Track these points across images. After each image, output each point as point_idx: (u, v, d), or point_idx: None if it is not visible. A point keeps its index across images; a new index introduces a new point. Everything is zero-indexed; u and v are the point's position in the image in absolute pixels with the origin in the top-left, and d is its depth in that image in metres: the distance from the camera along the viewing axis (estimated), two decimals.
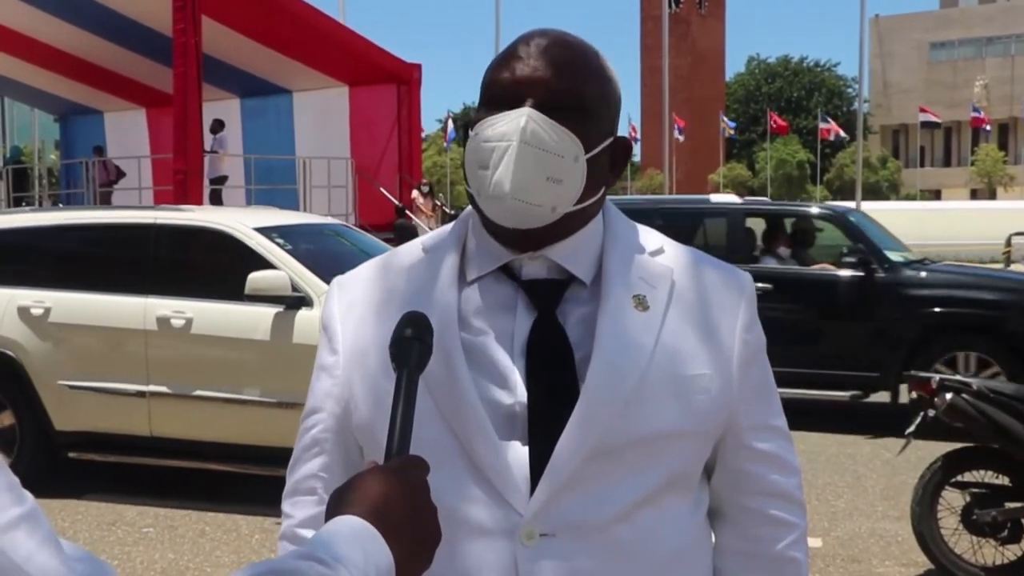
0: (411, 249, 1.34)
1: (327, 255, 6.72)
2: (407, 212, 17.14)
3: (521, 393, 1.21)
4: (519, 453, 1.20)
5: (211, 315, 6.22)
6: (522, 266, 1.27)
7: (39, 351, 6.49)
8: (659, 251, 1.30)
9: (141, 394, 6.31)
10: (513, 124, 1.18)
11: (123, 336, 6.38)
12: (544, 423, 1.20)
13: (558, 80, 1.21)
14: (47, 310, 6.50)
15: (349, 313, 1.32)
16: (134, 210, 7.48)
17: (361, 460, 1.29)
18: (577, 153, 1.20)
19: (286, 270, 6.06)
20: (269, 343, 6.00)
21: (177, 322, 6.26)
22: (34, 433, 6.53)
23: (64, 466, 6.65)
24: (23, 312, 6.53)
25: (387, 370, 1.20)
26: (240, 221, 6.57)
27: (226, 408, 6.15)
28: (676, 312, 1.25)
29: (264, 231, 6.45)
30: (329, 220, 8.88)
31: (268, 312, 6.02)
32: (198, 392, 6.19)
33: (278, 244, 6.35)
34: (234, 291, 6.10)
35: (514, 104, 1.20)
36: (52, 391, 6.46)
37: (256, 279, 5.96)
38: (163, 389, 6.28)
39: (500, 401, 1.21)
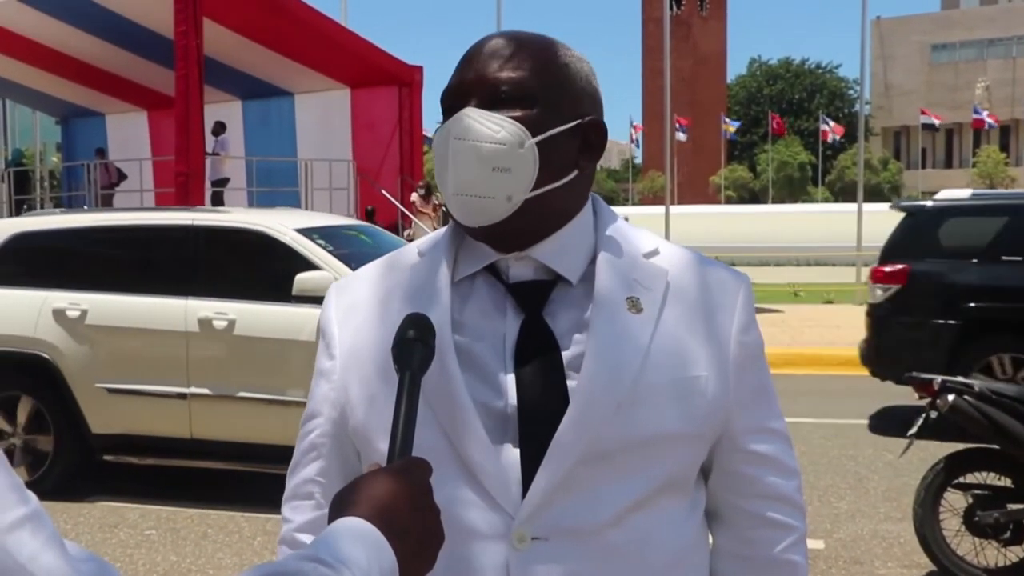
0: (407, 253, 1.35)
1: (362, 256, 6.73)
2: (375, 215, 17.11)
3: (512, 396, 1.21)
4: (511, 456, 1.19)
5: (255, 316, 6.21)
6: (509, 267, 1.27)
7: (75, 354, 6.47)
8: (654, 252, 1.29)
9: (182, 396, 6.30)
10: (447, 125, 1.21)
11: (163, 338, 6.36)
12: (535, 426, 1.19)
13: (496, 74, 1.22)
14: (83, 312, 6.48)
15: (346, 318, 1.33)
16: (171, 211, 7.43)
17: (359, 464, 1.29)
18: (523, 139, 1.20)
19: (330, 271, 6.07)
20: (316, 343, 5.97)
21: (219, 323, 6.25)
22: (69, 437, 6.51)
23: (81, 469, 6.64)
24: (58, 314, 6.51)
25: (383, 374, 1.21)
26: (279, 222, 6.57)
27: (270, 409, 6.14)
28: (671, 314, 1.24)
29: (305, 232, 6.46)
30: (355, 222, 8.84)
31: (313, 313, 6.01)
32: (242, 394, 6.18)
33: (320, 245, 6.37)
34: (276, 292, 6.11)
35: (461, 108, 1.22)
36: (89, 394, 6.44)
37: (304, 280, 5.97)
38: (205, 391, 6.27)
39: (491, 404, 1.21)
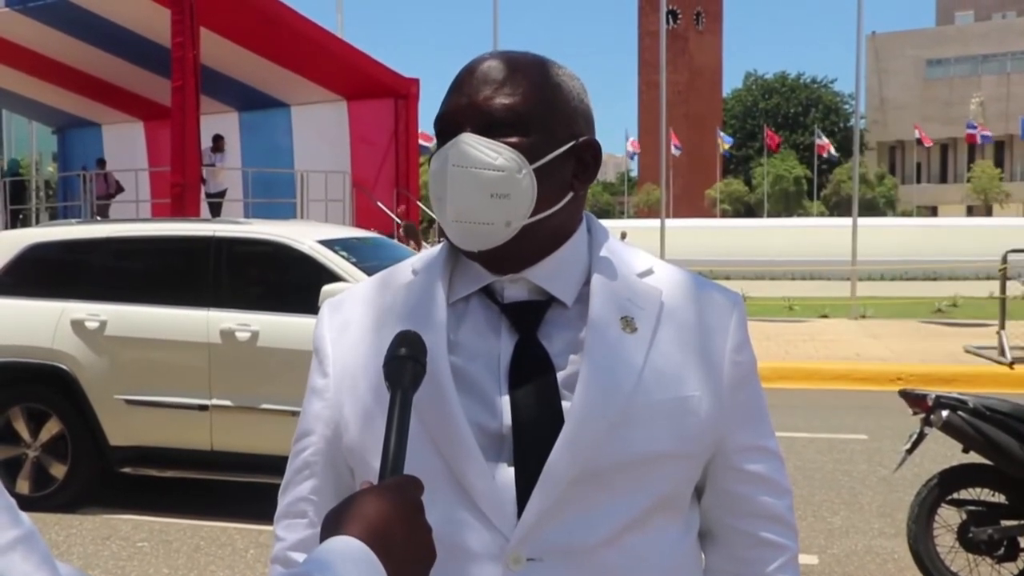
0: (402, 271, 1.35)
1: (383, 267, 6.68)
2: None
3: (507, 416, 1.21)
4: (506, 476, 1.19)
5: (279, 328, 6.17)
6: (504, 288, 1.27)
7: (94, 365, 6.42)
8: (648, 272, 1.29)
9: (203, 407, 6.26)
10: (445, 151, 1.21)
11: (185, 349, 6.32)
12: (530, 446, 1.19)
13: (491, 100, 1.21)
14: (103, 323, 6.43)
15: (340, 335, 1.33)
16: (191, 222, 7.39)
17: (352, 482, 1.29)
18: (520, 165, 1.20)
19: (355, 282, 6.05)
20: None
21: (242, 335, 6.22)
22: (87, 449, 6.46)
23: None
24: (76, 325, 6.46)
25: (377, 392, 1.21)
26: (301, 234, 6.56)
27: (294, 421, 6.06)
28: (665, 334, 1.24)
29: (327, 244, 6.45)
30: (371, 233, 8.79)
31: None
32: (265, 405, 6.13)
33: (342, 256, 6.35)
34: (299, 304, 6.07)
35: (455, 134, 1.21)
36: (108, 406, 6.39)
37: (330, 291, 5.92)
38: (227, 403, 6.23)
39: (486, 424, 1.21)
